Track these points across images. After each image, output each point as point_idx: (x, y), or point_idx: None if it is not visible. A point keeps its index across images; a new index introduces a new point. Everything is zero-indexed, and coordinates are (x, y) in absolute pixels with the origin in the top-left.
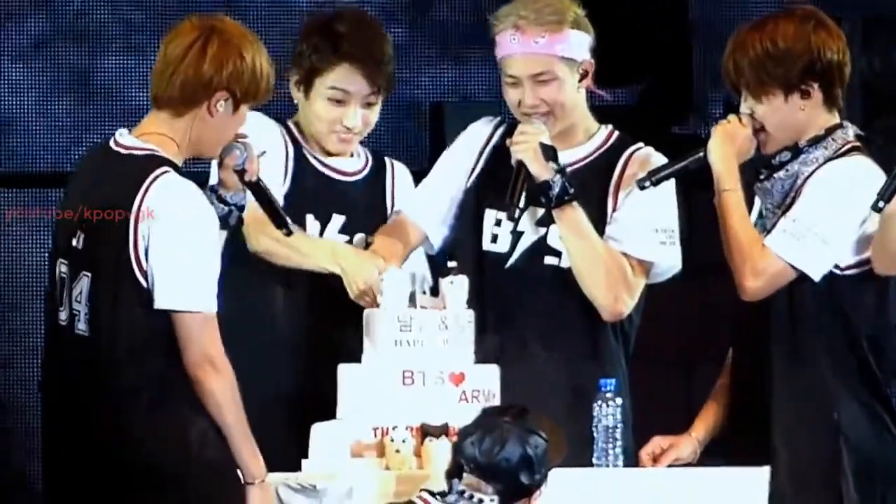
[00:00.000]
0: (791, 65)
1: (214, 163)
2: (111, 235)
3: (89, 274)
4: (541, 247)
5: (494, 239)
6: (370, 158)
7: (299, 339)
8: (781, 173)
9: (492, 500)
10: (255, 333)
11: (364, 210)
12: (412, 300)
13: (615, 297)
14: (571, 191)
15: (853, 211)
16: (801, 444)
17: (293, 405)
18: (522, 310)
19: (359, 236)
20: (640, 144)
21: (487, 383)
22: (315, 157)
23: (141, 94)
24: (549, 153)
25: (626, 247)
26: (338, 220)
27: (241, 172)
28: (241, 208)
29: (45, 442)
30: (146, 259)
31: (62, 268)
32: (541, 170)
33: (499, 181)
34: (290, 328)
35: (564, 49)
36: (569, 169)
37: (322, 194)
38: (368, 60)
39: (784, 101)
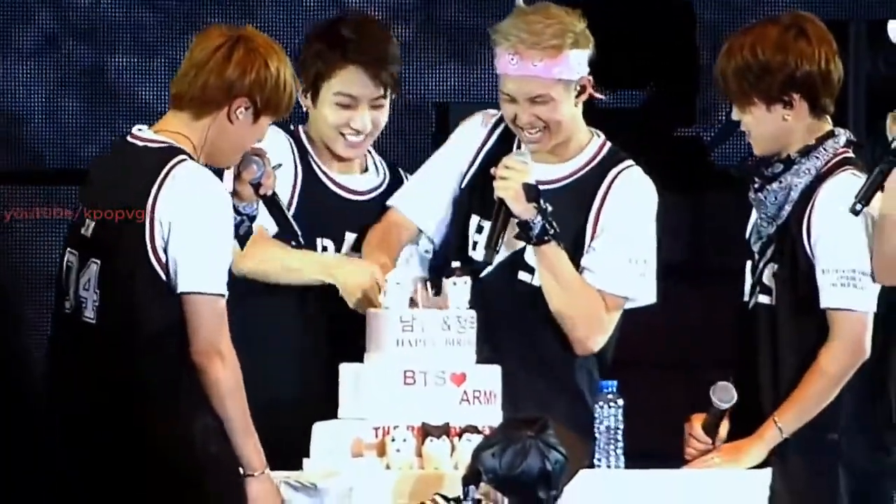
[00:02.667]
0: (770, 77)
1: (228, 172)
2: (126, 225)
3: (98, 261)
4: (515, 261)
5: (475, 246)
6: (388, 175)
7: (302, 338)
8: (775, 185)
9: None
10: (259, 332)
11: None
12: (413, 301)
13: (587, 337)
14: (552, 232)
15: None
16: (797, 460)
17: (295, 404)
18: (495, 319)
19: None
20: (629, 163)
21: (489, 384)
22: (326, 175)
23: (149, 91)
24: (532, 193)
25: (602, 282)
26: (351, 237)
27: (256, 186)
28: (253, 218)
29: (47, 429)
30: (164, 247)
31: (70, 257)
32: (522, 210)
33: (487, 188)
34: (293, 327)
35: (562, 72)
36: (553, 186)
37: (332, 215)
38: (374, 62)
39: (767, 111)
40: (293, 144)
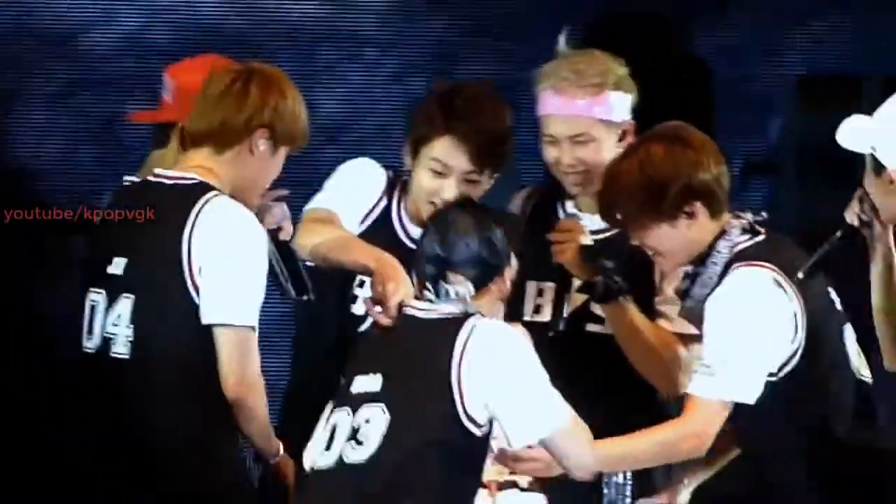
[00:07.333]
0: (667, 195)
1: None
2: (162, 258)
3: (132, 296)
4: (583, 314)
5: (538, 309)
6: None
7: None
8: (688, 302)
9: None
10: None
11: None
12: None
13: (670, 381)
14: (616, 288)
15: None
16: None
17: None
18: (566, 375)
19: None
20: None
21: None
22: (402, 223)
23: None
24: (590, 254)
25: (679, 324)
26: None
27: (276, 231)
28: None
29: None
30: (200, 277)
31: (93, 296)
32: (580, 273)
33: (536, 252)
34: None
35: (603, 112)
36: (608, 234)
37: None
38: (473, 136)
39: (671, 227)
40: (388, 183)
